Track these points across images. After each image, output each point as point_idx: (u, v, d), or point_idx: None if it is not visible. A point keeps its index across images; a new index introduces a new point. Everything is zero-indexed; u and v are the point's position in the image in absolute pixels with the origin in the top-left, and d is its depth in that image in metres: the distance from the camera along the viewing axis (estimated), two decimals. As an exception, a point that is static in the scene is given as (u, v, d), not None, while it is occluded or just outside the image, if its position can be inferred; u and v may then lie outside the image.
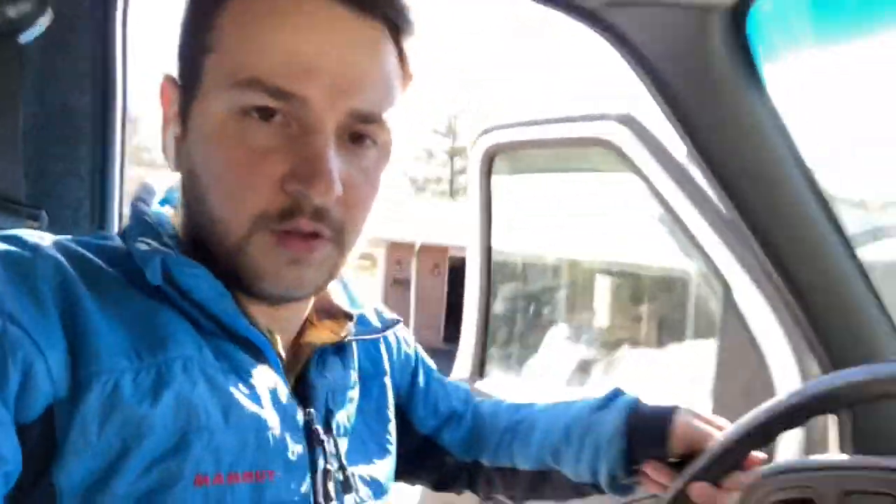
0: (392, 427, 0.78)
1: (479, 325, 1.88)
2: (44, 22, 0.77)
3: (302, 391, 0.67)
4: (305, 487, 0.62)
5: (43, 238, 0.56)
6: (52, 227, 0.82)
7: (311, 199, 0.56)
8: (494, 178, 1.91)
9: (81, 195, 0.85)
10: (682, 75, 0.79)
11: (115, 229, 0.91)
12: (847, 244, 0.86)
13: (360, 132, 0.58)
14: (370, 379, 0.77)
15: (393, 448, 0.76)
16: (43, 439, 0.50)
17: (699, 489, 0.71)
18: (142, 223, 0.61)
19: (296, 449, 0.61)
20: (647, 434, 0.76)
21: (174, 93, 0.61)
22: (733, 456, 0.71)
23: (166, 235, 0.61)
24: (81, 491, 0.50)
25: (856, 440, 0.96)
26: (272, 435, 0.59)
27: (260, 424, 0.59)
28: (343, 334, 0.69)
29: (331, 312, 0.71)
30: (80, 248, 0.57)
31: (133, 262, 0.58)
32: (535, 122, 1.72)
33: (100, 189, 0.86)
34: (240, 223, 0.57)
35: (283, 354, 0.65)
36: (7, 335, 0.48)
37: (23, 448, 0.49)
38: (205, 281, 0.58)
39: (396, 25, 0.59)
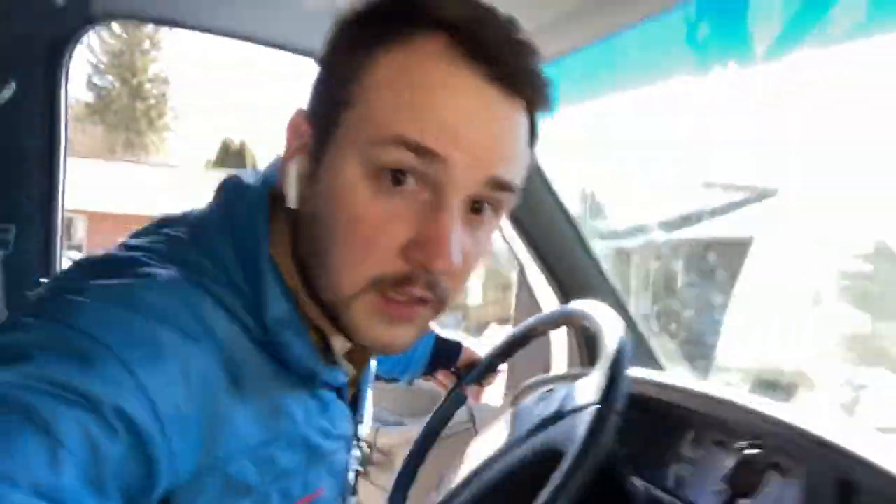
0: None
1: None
2: (8, 93, 1.08)
3: (354, 404, 0.74)
4: (340, 485, 0.70)
5: (194, 304, 0.55)
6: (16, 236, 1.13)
7: (430, 272, 0.56)
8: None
9: (32, 211, 1.16)
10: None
11: (58, 239, 1.20)
12: (580, 236, 1.32)
13: (494, 200, 0.58)
14: None
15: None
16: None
17: (471, 389, 1.14)
18: (275, 287, 0.59)
19: (341, 461, 0.69)
20: (445, 356, 1.17)
21: (306, 129, 0.60)
22: (491, 366, 1.14)
23: (280, 287, 0.60)
24: None
25: (589, 356, 1.42)
26: (332, 462, 0.66)
27: (328, 459, 0.65)
28: None
29: None
30: (221, 323, 0.56)
31: (257, 318, 0.58)
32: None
33: (47, 207, 1.17)
34: (356, 282, 0.57)
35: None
36: (145, 427, 0.48)
37: None
38: (329, 369, 0.63)
39: (535, 104, 0.60)
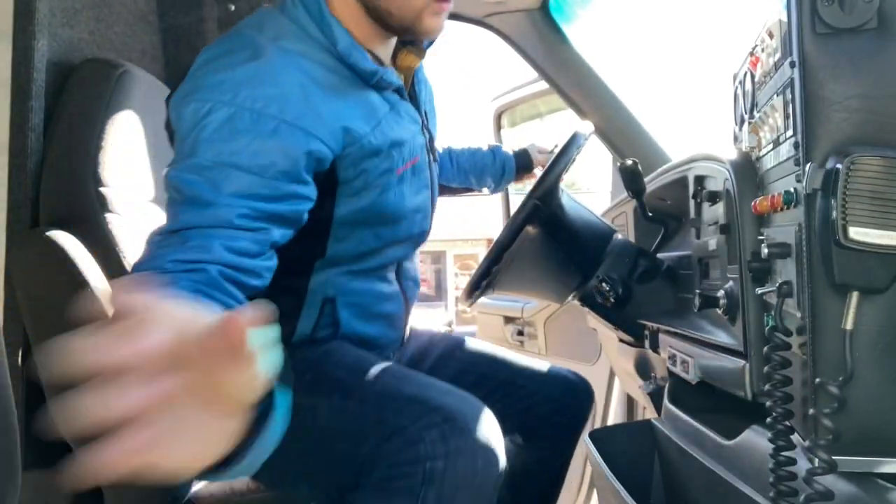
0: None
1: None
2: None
3: (413, 101, 1.07)
4: (426, 156, 1.07)
5: (307, 64, 0.90)
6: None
7: None
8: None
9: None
10: (533, 45, 1.63)
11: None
12: (635, 121, 1.66)
13: None
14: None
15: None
16: (330, 174, 0.90)
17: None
18: (339, 29, 0.92)
19: (421, 139, 1.05)
20: (524, 165, 1.51)
21: None
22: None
23: (342, 29, 0.93)
24: (349, 195, 0.94)
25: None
26: (417, 136, 1.03)
27: (414, 132, 1.02)
28: (425, 53, 1.07)
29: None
30: (318, 58, 0.91)
31: (343, 56, 0.92)
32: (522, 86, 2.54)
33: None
34: (419, 4, 0.90)
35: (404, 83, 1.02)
36: (304, 138, 0.84)
37: (318, 183, 0.88)
38: (387, 71, 0.96)
39: None
